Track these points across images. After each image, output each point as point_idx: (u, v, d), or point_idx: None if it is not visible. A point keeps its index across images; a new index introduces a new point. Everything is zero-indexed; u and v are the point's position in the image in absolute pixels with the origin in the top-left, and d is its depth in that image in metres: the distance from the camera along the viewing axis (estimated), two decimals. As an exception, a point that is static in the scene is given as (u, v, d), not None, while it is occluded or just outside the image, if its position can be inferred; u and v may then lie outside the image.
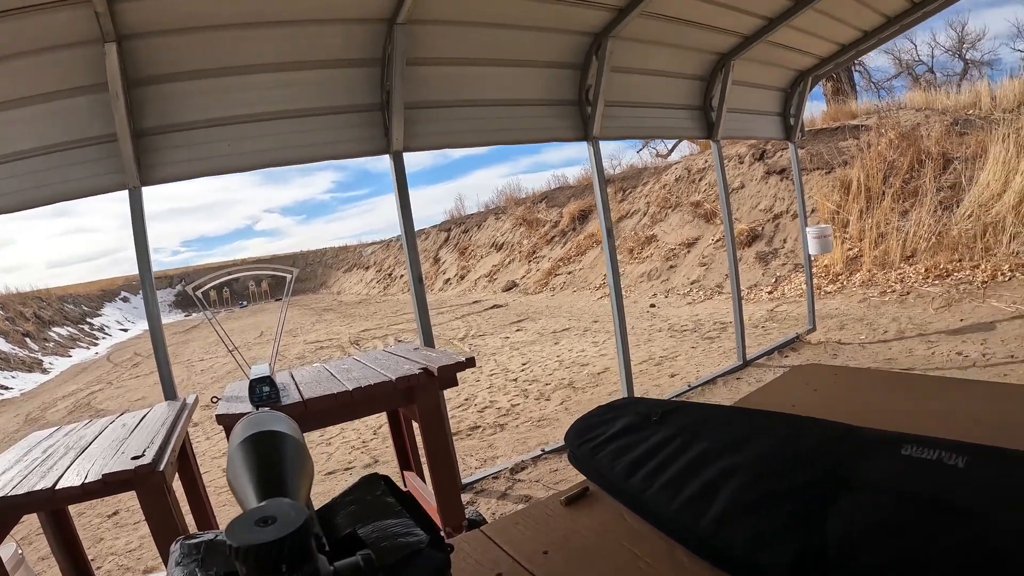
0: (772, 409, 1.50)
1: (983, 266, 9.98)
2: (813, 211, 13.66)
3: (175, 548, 0.72)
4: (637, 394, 6.82)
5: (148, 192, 4.29)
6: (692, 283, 14.76)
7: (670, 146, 24.91)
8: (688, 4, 5.97)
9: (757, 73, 7.94)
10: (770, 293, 12.65)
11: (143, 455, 2.67)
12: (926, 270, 10.65)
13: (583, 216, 21.66)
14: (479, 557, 1.14)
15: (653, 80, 6.80)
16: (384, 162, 5.17)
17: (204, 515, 3.92)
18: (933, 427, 1.24)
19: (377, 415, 6.21)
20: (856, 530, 0.92)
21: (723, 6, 6.21)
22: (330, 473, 6.30)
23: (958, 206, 11.45)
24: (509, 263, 23.98)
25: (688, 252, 16.05)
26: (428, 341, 5.10)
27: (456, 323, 16.41)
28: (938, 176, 12.38)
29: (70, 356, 25.98)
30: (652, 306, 14.19)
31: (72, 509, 3.82)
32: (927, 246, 11.18)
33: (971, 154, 12.16)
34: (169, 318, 40.09)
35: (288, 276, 4.54)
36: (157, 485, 2.64)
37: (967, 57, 26.46)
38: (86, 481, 2.52)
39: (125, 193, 4.20)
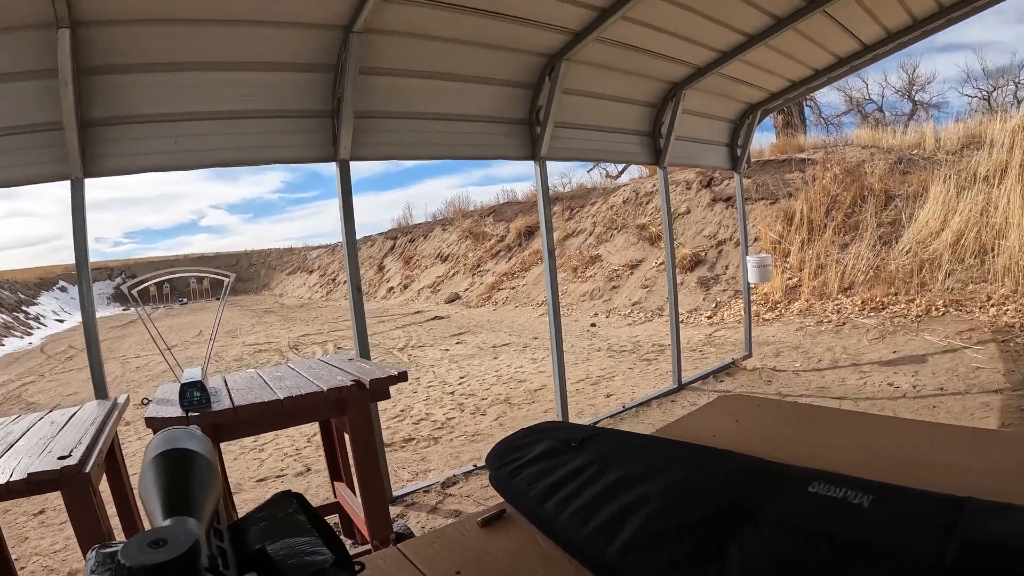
0: (693, 438, 1.53)
1: (918, 301, 10.27)
2: (756, 240, 13.91)
3: (91, 556, 0.72)
4: (571, 413, 6.86)
5: (94, 179, 4.25)
6: (633, 304, 14.90)
7: (620, 168, 25.14)
8: (643, 33, 6.06)
9: (707, 103, 8.09)
10: (710, 318, 12.83)
11: (70, 455, 2.63)
12: (863, 302, 10.92)
13: (529, 232, 21.72)
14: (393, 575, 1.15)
15: (604, 104, 6.88)
16: (332, 165, 5.15)
17: (131, 518, 3.85)
18: (846, 462, 1.28)
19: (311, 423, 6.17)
20: (757, 564, 0.95)
21: (678, 37, 6.32)
22: (261, 480, 6.22)
23: (897, 242, 11.80)
24: (453, 275, 23.94)
25: (631, 274, 16.20)
26: (364, 352, 5.08)
27: (397, 332, 16.32)
28: (879, 212, 12.73)
29: (3, 345, 25.19)
30: (593, 325, 14.27)
31: (-5, 506, 3.73)
32: (865, 279, 11.47)
33: (912, 192, 12.55)
34: (107, 311, 39.14)
35: (225, 280, 4.49)
36: (83, 487, 2.60)
37: (916, 99, 27.24)
38: (11, 480, 2.48)
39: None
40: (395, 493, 5.38)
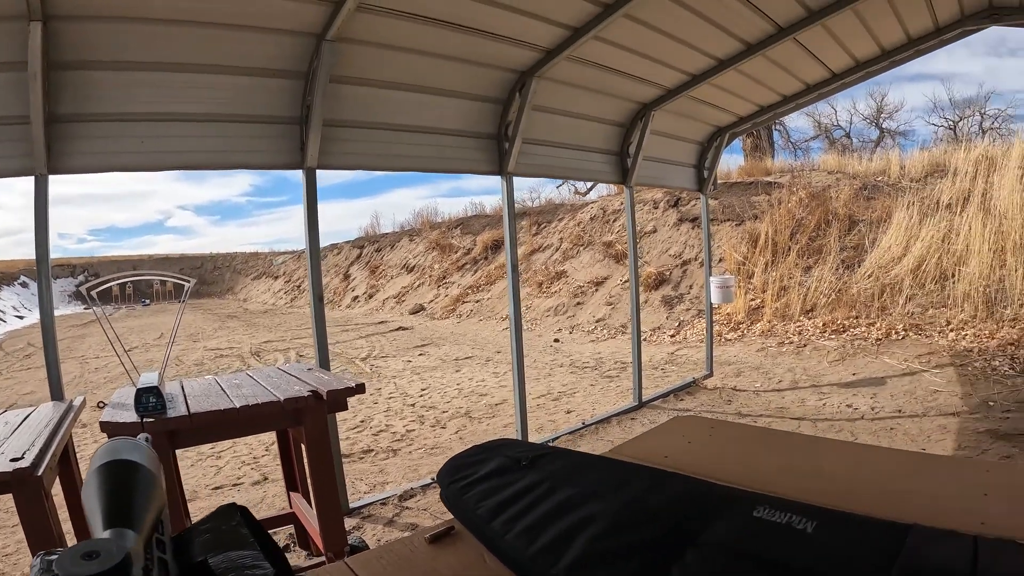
0: (646, 459, 1.54)
1: (879, 324, 10.44)
2: (721, 260, 14.04)
3: (35, 563, 0.72)
4: (531, 429, 6.86)
5: (59, 175, 4.20)
6: (597, 321, 14.95)
7: (589, 185, 25.24)
8: (615, 53, 6.12)
9: (676, 125, 8.17)
10: (672, 337, 12.90)
11: (22, 457, 2.58)
12: (824, 324, 11.06)
13: (496, 246, 21.72)
14: (339, 590, 1.15)
15: (573, 122, 6.92)
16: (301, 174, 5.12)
17: (84, 523, 3.77)
18: (796, 486, 1.30)
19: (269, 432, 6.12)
20: (698, 588, 0.96)
21: (649, 58, 6.39)
22: (217, 488, 6.15)
23: (859, 266, 12.03)
24: (419, 286, 23.88)
25: (596, 290, 16.26)
26: (324, 362, 5.04)
27: (360, 342, 16.23)
28: (843, 236, 12.94)
29: (-40, 340, 24.73)
30: (556, 341, 14.29)
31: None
32: (827, 302, 11.64)
33: (876, 218, 12.79)
34: (68, 310, 38.41)
35: (186, 285, 4.44)
36: (35, 490, 2.55)
37: (883, 126, 27.70)
38: (-38, 481, 2.43)
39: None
40: (352, 505, 5.34)
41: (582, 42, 5.56)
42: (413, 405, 9.08)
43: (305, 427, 3.41)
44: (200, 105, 4.60)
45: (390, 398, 9.57)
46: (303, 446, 3.80)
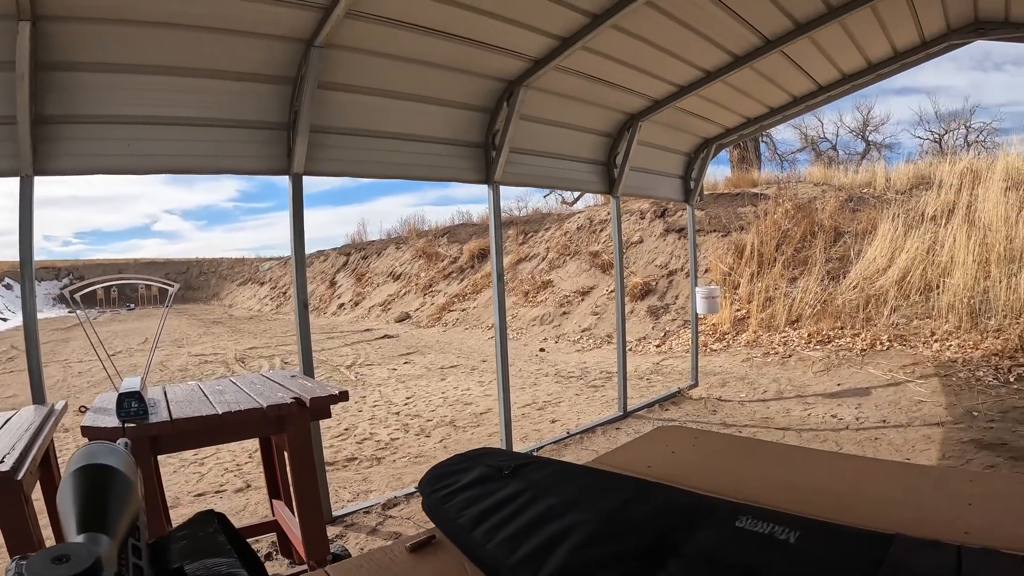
0: (629, 469, 1.54)
1: (863, 335, 10.49)
2: (707, 271, 14.09)
3: (10, 567, 0.71)
4: (516, 438, 6.85)
5: (45, 177, 4.18)
6: (583, 331, 14.95)
7: (576, 195, 25.31)
8: (603, 64, 6.14)
9: (663, 136, 8.19)
10: (658, 347, 12.92)
11: (2, 461, 2.56)
12: (809, 335, 11.11)
13: (482, 255, 21.72)
14: (319, 598, 1.14)
15: (561, 132, 6.94)
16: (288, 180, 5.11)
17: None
18: (779, 497, 1.29)
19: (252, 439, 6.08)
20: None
21: (637, 69, 6.41)
22: (199, 495, 6.10)
23: (844, 277, 12.10)
24: (405, 294, 23.84)
25: (582, 300, 16.27)
26: (308, 369, 5.02)
27: (345, 350, 16.19)
28: (828, 248, 13.01)
29: (-58, 342, 24.50)
30: (542, 350, 14.29)
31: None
32: (812, 312, 11.69)
33: (861, 230, 12.88)
34: (52, 313, 38.10)
35: (170, 289, 4.41)
36: (14, 494, 2.52)
37: (869, 139, 27.91)
38: (-60, 483, 2.40)
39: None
40: (335, 513, 5.31)
41: (570, 52, 5.57)
42: (398, 413, 9.05)
43: (288, 434, 3.39)
44: (188, 109, 4.58)
45: (375, 406, 9.54)
46: (286, 453, 3.77)
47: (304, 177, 5.04)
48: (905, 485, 1.47)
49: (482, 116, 6.18)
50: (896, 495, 1.37)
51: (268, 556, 4.64)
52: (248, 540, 4.55)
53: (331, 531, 4.93)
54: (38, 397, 4.06)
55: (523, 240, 21.07)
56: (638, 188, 8.50)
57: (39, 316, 4.36)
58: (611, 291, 15.42)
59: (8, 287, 43.15)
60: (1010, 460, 5.74)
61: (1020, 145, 13.48)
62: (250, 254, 58.29)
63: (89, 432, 2.96)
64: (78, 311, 4.25)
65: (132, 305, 43.27)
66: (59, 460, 3.80)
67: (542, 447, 6.92)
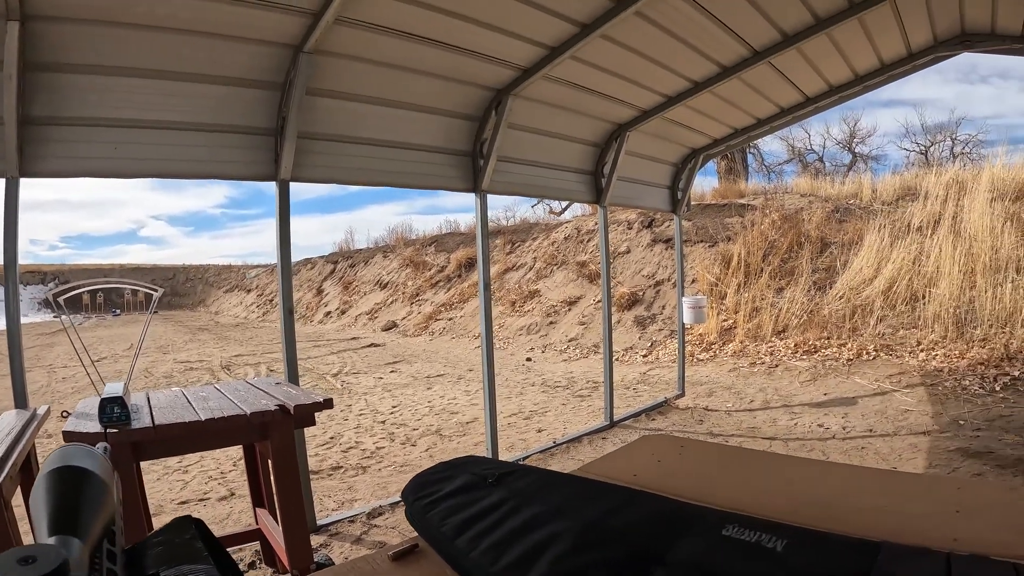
0: (614, 477, 1.52)
1: (850, 345, 10.54)
2: (694, 281, 14.13)
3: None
4: (502, 447, 6.84)
5: (31, 179, 4.15)
6: (570, 341, 14.96)
7: (564, 205, 25.35)
8: (591, 73, 6.15)
9: (651, 146, 8.22)
10: (645, 357, 12.93)
11: (-20, 465, 2.53)
12: (796, 345, 11.15)
13: (470, 264, 21.73)
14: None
15: (548, 141, 6.95)
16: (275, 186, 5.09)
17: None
18: (765, 505, 1.28)
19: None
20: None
21: (625, 79, 6.43)
22: (183, 503, 6.05)
23: (831, 287, 12.16)
24: (392, 303, 23.82)
25: (569, 310, 16.28)
26: (293, 377, 4.99)
27: (332, 358, 16.14)
28: (815, 258, 13.08)
29: (-79, 346, 24.18)
30: (528, 360, 14.28)
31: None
32: (799, 323, 11.74)
33: (848, 240, 12.96)
34: (37, 317, 37.86)
35: (154, 294, 4.40)
36: (-7, 499, 2.50)
37: (856, 150, 28.07)
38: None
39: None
40: (319, 522, 5.28)
41: (559, 61, 5.59)
42: (383, 422, 9.01)
43: (272, 442, 3.37)
44: (175, 113, 4.56)
45: (360, 415, 9.51)
46: (270, 461, 3.75)
47: (291, 184, 5.02)
48: (892, 493, 1.46)
49: (470, 124, 6.18)
50: (883, 503, 1.37)
51: (252, 565, 4.61)
52: (231, 549, 4.51)
53: (315, 540, 4.90)
54: (20, 401, 4.03)
55: (510, 250, 21.09)
56: (625, 198, 8.51)
57: (23, 320, 4.33)
58: (598, 301, 15.43)
59: (-8, 290, 42.85)
60: (996, 468, 5.76)
61: (1005, 157, 13.64)
62: (237, 261, 58.09)
63: (71, 437, 2.94)
64: (62, 316, 4.23)
65: (118, 311, 43.08)
66: (40, 465, 3.76)
67: (528, 456, 6.90)
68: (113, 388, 3.25)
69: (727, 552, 1.07)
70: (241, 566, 4.43)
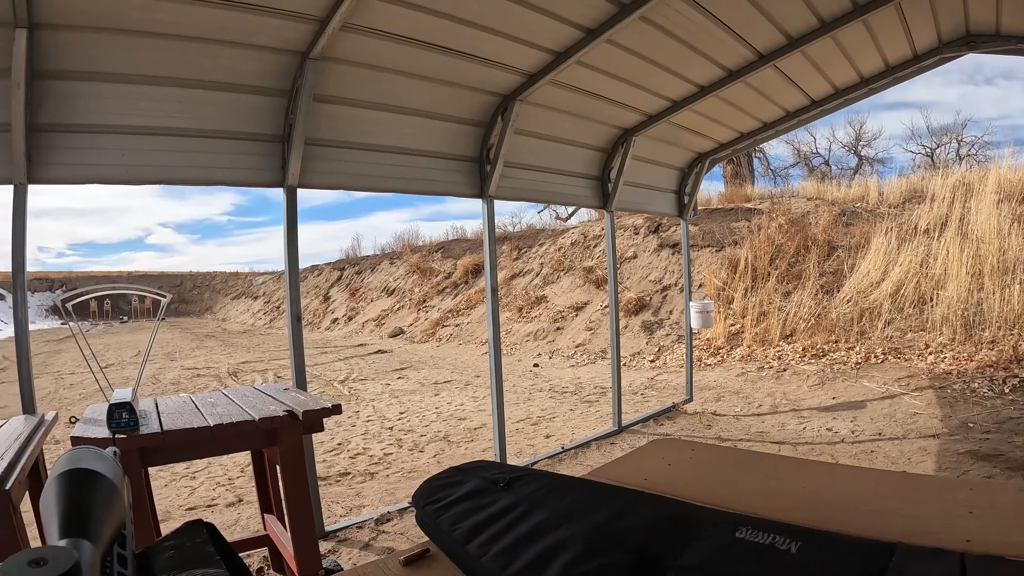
0: (625, 481, 1.52)
1: (858, 348, 10.51)
2: (701, 286, 14.11)
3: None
4: (510, 453, 6.83)
5: (39, 185, 4.15)
6: (577, 346, 14.94)
7: (570, 210, 25.35)
8: (597, 78, 6.15)
9: (657, 150, 8.22)
10: (652, 362, 12.91)
11: (-10, 470, 2.53)
12: (804, 349, 11.12)
13: (476, 270, 21.76)
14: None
15: (555, 146, 6.95)
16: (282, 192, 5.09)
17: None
18: (777, 508, 1.28)
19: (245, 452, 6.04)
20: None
21: (631, 84, 6.43)
22: (190, 509, 6.06)
23: (838, 291, 12.13)
24: (398, 309, 23.84)
25: (576, 316, 16.27)
26: (301, 383, 5.00)
27: (339, 364, 16.15)
28: (822, 262, 13.04)
29: (-69, 352, 24.33)
30: (536, 366, 14.27)
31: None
32: (806, 326, 11.70)
33: (855, 243, 12.93)
34: (45, 324, 38.03)
35: (163, 300, 4.40)
36: (2, 504, 2.49)
37: (862, 153, 28.00)
38: (-73, 492, 2.37)
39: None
40: (327, 528, 5.28)
41: (565, 67, 5.59)
42: (391, 428, 9.01)
43: (280, 447, 3.37)
44: (183, 120, 4.57)
45: (368, 421, 9.51)
46: (278, 467, 3.74)
47: (299, 190, 5.03)
48: (904, 495, 1.45)
49: (477, 130, 6.18)
50: (895, 505, 1.36)
51: (260, 571, 4.61)
52: (239, 554, 4.52)
53: (324, 546, 4.90)
54: (28, 407, 4.03)
55: (517, 255, 21.10)
56: (632, 203, 8.51)
57: (31, 327, 4.34)
58: (605, 306, 15.42)
59: (1, 297, 43.01)
60: (1007, 471, 5.74)
61: (1011, 158, 13.59)
62: (244, 268, 58.45)
63: (79, 442, 2.93)
64: (71, 322, 4.23)
65: (125, 318, 43.28)
66: (48, 470, 3.77)
67: (536, 462, 6.89)
68: (122, 394, 3.25)
69: (741, 554, 1.06)
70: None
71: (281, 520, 4.39)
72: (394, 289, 25.92)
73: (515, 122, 6.06)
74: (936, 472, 5.86)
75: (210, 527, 0.88)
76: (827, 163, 28.97)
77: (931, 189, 13.48)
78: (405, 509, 5.61)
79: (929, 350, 9.88)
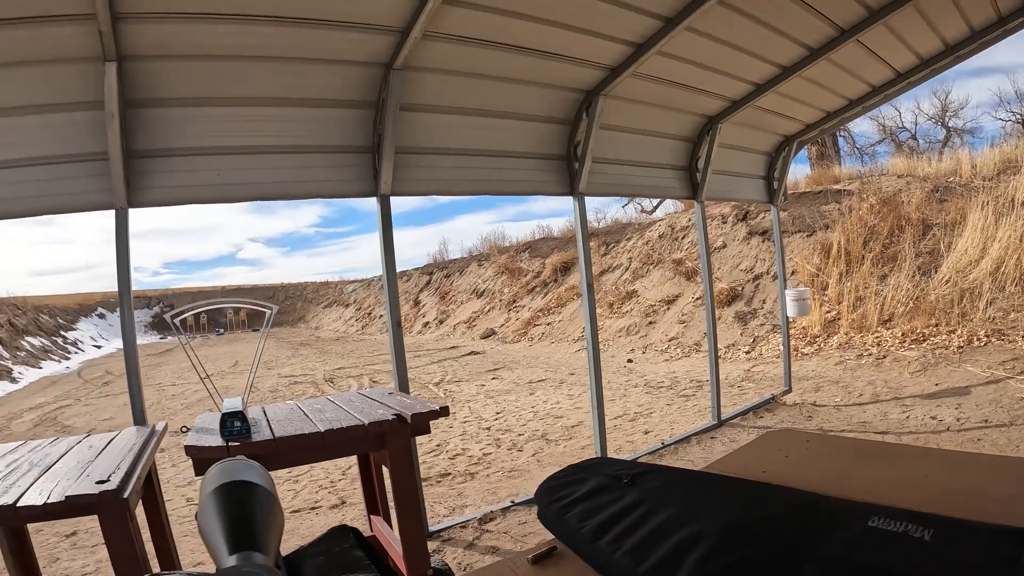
0: (743, 474, 1.51)
1: (959, 331, 10.09)
2: (793, 273, 13.79)
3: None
4: (610, 450, 6.80)
5: (136, 210, 4.30)
6: (670, 340, 14.80)
7: (655, 203, 25.10)
8: (679, 67, 6.09)
9: (743, 136, 8.08)
10: (747, 353, 12.71)
11: (108, 480, 2.63)
12: (903, 334, 10.74)
13: (565, 268, 21.74)
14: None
15: (641, 139, 6.90)
16: (370, 201, 5.19)
17: (166, 545, 3.84)
18: (902, 497, 1.25)
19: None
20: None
21: (712, 70, 6.34)
22: (295, 512, 6.21)
23: (936, 271, 11.62)
24: (489, 311, 23.97)
25: (668, 309, 16.12)
26: (403, 386, 5.07)
27: (432, 367, 16.34)
28: (917, 242, 12.55)
29: (40, 368, 25.30)
30: (629, 361, 14.20)
31: (30, 526, 3.73)
32: (904, 310, 11.30)
33: (950, 221, 12.38)
34: (144, 339, 39.61)
35: (268, 312, 4.52)
36: (120, 512, 2.59)
37: (949, 125, 26.88)
38: (48, 501, 2.48)
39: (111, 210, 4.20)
40: (431, 528, 5.35)
41: (645, 58, 5.54)
42: (488, 428, 9.08)
43: (389, 450, 3.42)
44: (273, 138, 4.70)
45: (465, 422, 9.60)
46: (385, 469, 3.81)
47: (391, 198, 5.11)
48: (1027, 480, 1.41)
49: (562, 128, 6.18)
50: (1020, 491, 1.32)
51: (369, 572, 4.68)
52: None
53: (429, 545, 4.96)
54: (139, 418, 4.19)
55: (605, 251, 21.00)
56: (721, 191, 8.39)
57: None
58: (696, 298, 15.25)
59: (101, 316, 44.84)
60: None
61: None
62: (333, 277, 59.40)
63: (193, 452, 3.03)
64: (180, 336, 4.38)
65: (221, 330, 44.69)
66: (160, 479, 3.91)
67: (637, 458, 6.84)
68: (232, 403, 3.35)
69: (877, 544, 1.05)
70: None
71: (387, 521, 4.47)
72: (483, 291, 26.08)
73: (600, 117, 6.03)
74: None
75: (356, 532, 0.90)
76: (914, 137, 27.87)
77: (1026, 158, 12.91)
78: (508, 508, 5.64)
79: (1034, 331, 9.46)
